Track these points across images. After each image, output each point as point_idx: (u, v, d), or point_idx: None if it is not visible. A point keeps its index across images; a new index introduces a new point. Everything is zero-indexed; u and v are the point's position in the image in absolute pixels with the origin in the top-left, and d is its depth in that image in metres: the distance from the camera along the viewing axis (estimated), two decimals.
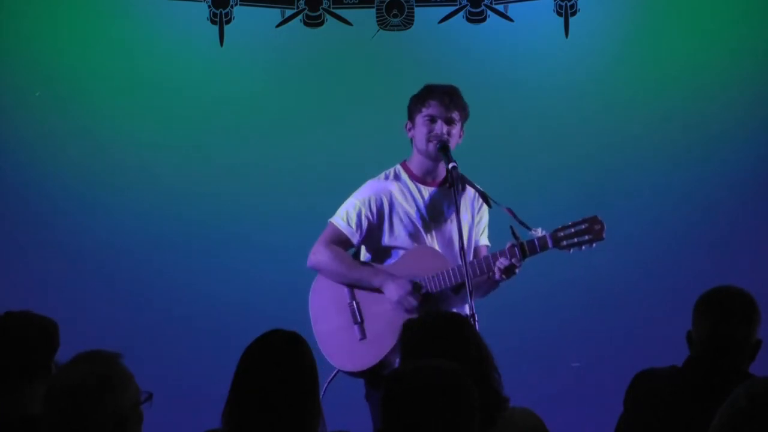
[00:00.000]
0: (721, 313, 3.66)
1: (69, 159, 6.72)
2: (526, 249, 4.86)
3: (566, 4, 6.76)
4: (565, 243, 4.88)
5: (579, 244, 4.88)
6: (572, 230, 4.87)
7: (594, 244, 4.89)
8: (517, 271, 4.89)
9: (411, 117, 5.09)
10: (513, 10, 6.77)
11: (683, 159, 6.82)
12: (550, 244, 4.88)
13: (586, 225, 4.89)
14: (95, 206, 6.73)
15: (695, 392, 3.61)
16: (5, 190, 6.73)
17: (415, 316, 4.68)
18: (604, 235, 4.88)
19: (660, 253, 6.78)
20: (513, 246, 4.85)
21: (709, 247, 6.76)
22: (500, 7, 6.76)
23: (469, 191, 5.08)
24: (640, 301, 6.72)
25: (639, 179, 6.83)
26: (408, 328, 3.59)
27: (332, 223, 5.07)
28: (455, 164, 4.92)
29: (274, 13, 6.77)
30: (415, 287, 4.93)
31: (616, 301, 6.70)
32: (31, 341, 3.56)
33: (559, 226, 4.88)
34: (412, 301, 4.93)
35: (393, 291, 4.95)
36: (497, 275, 4.88)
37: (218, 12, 6.72)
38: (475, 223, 5.11)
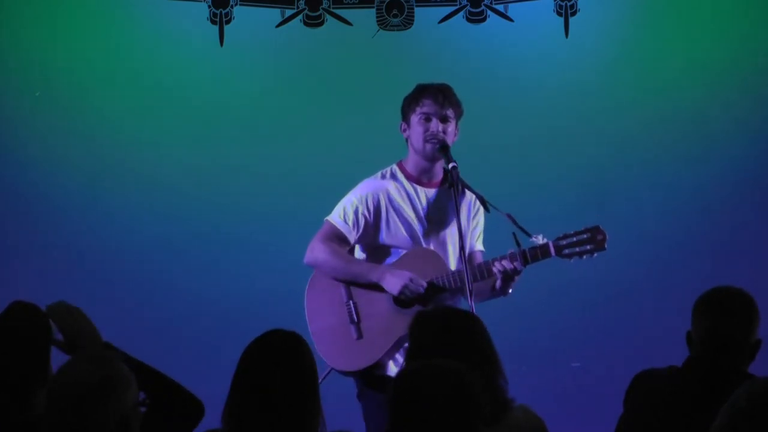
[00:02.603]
0: (721, 313, 3.66)
1: (69, 159, 6.72)
2: (528, 256, 4.83)
3: (566, 4, 6.76)
4: (566, 252, 4.86)
5: (580, 254, 4.86)
6: (574, 239, 4.85)
7: (595, 254, 4.87)
8: (516, 278, 4.86)
9: (405, 117, 5.06)
10: (513, 10, 6.76)
11: (683, 159, 6.83)
12: (552, 253, 4.85)
13: (589, 234, 4.87)
14: (95, 206, 6.73)
15: (695, 392, 3.60)
16: (5, 190, 6.73)
17: (412, 312, 4.68)
18: (606, 246, 4.87)
19: (660, 253, 6.78)
20: (514, 253, 4.83)
21: (709, 247, 6.76)
22: (500, 7, 6.76)
23: (467, 194, 5.04)
24: (640, 301, 6.72)
25: (639, 179, 6.83)
26: (420, 320, 3.58)
27: (329, 221, 5.03)
28: (455, 164, 4.90)
29: (274, 13, 6.77)
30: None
31: (616, 301, 6.70)
32: (28, 342, 3.55)
33: (561, 235, 4.86)
34: (416, 288, 4.85)
35: (393, 283, 4.87)
36: (498, 282, 4.85)
37: (218, 12, 6.72)
38: (471, 227, 5.08)
